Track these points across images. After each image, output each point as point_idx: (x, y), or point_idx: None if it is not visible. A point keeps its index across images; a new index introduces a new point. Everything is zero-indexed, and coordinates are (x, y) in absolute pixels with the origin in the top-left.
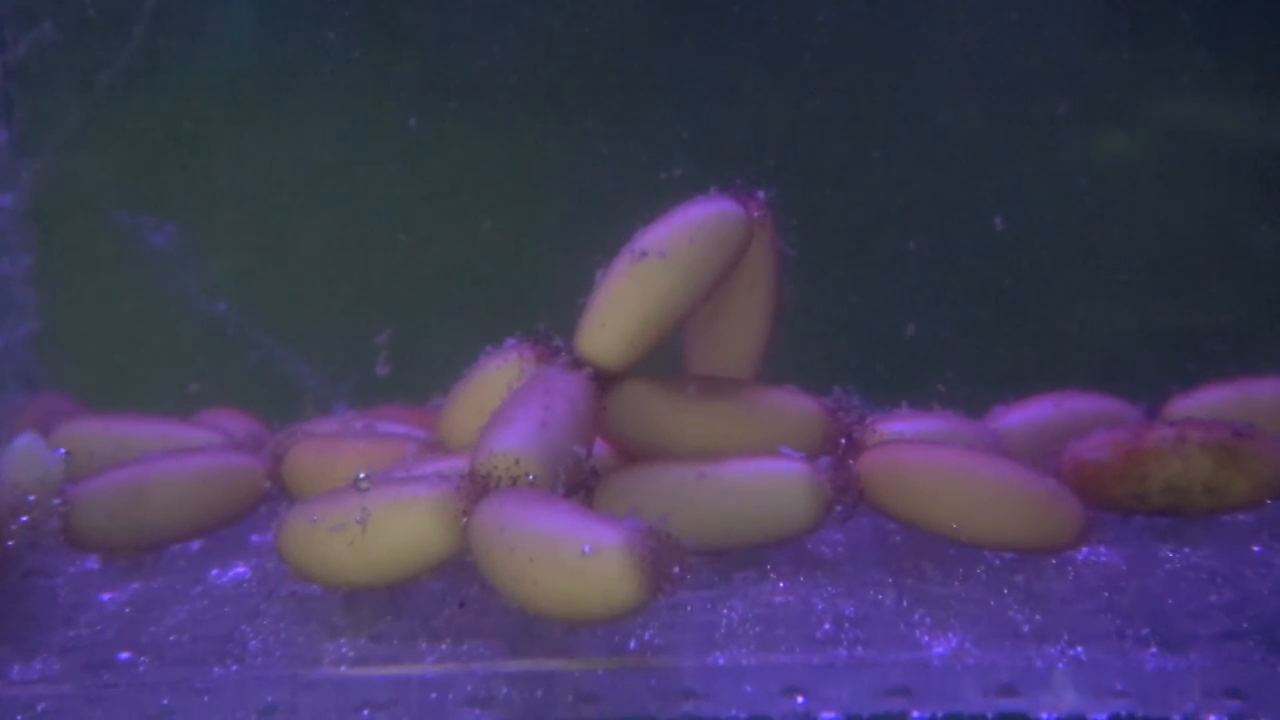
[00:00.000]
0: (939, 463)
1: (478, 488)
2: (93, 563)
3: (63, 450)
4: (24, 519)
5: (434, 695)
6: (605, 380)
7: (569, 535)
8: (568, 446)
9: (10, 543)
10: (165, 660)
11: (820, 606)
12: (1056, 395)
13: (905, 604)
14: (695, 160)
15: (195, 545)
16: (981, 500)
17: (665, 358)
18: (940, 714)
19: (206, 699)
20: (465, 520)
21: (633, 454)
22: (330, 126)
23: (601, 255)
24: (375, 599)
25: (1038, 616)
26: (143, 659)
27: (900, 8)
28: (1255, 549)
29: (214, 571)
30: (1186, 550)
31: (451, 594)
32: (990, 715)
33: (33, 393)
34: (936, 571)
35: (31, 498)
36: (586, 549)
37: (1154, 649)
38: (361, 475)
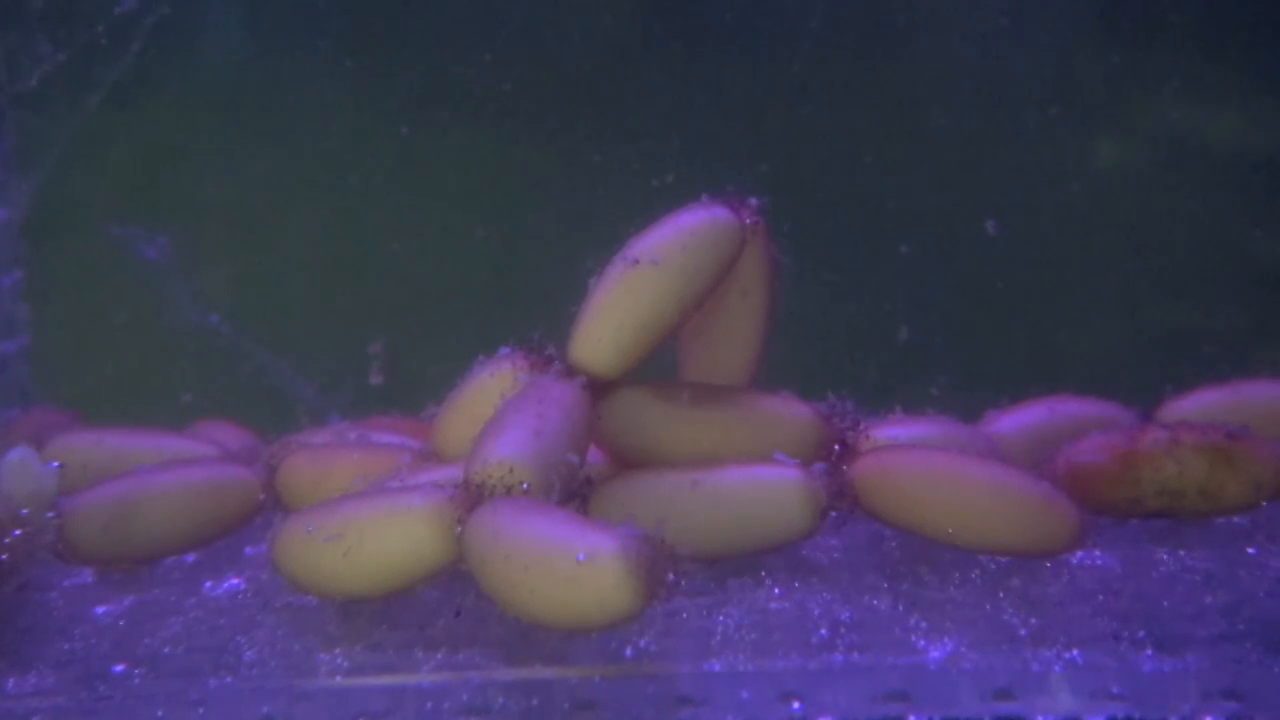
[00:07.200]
0: (933, 468)
1: (472, 496)
2: (87, 575)
3: (56, 463)
4: (18, 532)
5: (430, 705)
6: (599, 388)
7: (564, 543)
8: (562, 454)
9: (4, 556)
10: (160, 672)
11: (816, 612)
12: (1050, 399)
13: (901, 609)
14: (687, 167)
15: (190, 557)
16: (976, 505)
17: (659, 365)
18: (937, 718)
19: (202, 711)
20: (460, 529)
21: (627, 461)
22: (322, 136)
23: (594, 263)
24: (370, 609)
25: (1034, 620)
26: (138, 671)
27: (892, 13)
28: (1250, 550)
29: (208, 583)
30: (1182, 553)
31: (447, 603)
32: (987, 719)
33: (26, 406)
34: (932, 576)
35: (25, 511)
36: (581, 557)
37: (1150, 651)
38: None
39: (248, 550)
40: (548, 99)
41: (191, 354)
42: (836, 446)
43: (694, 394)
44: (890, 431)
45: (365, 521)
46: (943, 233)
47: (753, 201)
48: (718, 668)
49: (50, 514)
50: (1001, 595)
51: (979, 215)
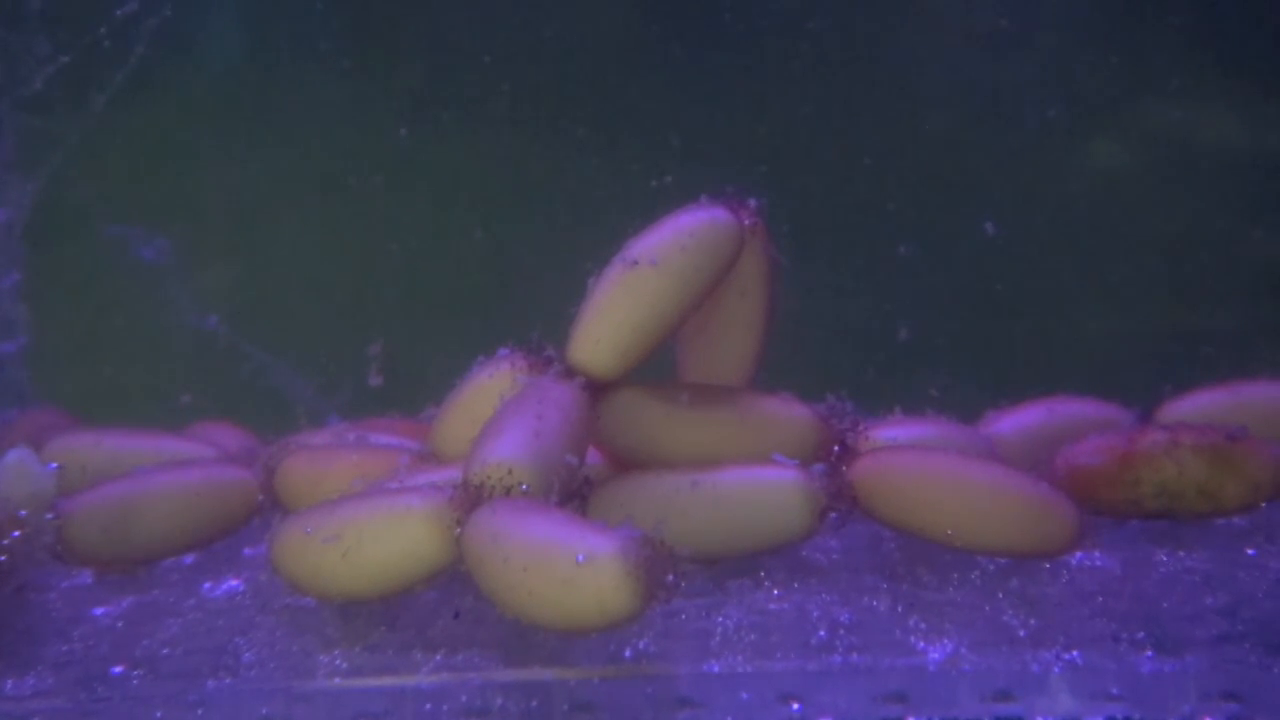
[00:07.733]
0: (933, 468)
1: (471, 498)
2: (86, 577)
3: (55, 465)
4: (16, 534)
5: (429, 706)
6: (598, 389)
7: (563, 544)
8: (561, 455)
9: (3, 558)
10: (159, 674)
11: (815, 613)
12: (1049, 400)
13: (900, 610)
14: (686, 168)
15: (188, 559)
16: (975, 505)
17: (659, 365)
18: (936, 719)
19: (200, 712)
20: (459, 530)
21: (626, 462)
22: (321, 137)
23: (593, 264)
24: (369, 610)
25: (1033, 621)
26: (136, 673)
27: (890, 14)
28: (1249, 551)
29: (207, 585)
30: (1181, 553)
31: (446, 604)
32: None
33: (24, 407)
34: (931, 577)
35: (24, 513)
36: (580, 558)
37: (1149, 652)
38: None
39: (246, 551)
40: (547, 100)
41: (191, 355)
42: (836, 447)
43: (693, 395)
44: (889, 432)
45: (364, 523)
46: (943, 233)
47: (751, 202)
48: (717, 669)
49: (49, 515)
50: (1001, 596)
51: (978, 215)
